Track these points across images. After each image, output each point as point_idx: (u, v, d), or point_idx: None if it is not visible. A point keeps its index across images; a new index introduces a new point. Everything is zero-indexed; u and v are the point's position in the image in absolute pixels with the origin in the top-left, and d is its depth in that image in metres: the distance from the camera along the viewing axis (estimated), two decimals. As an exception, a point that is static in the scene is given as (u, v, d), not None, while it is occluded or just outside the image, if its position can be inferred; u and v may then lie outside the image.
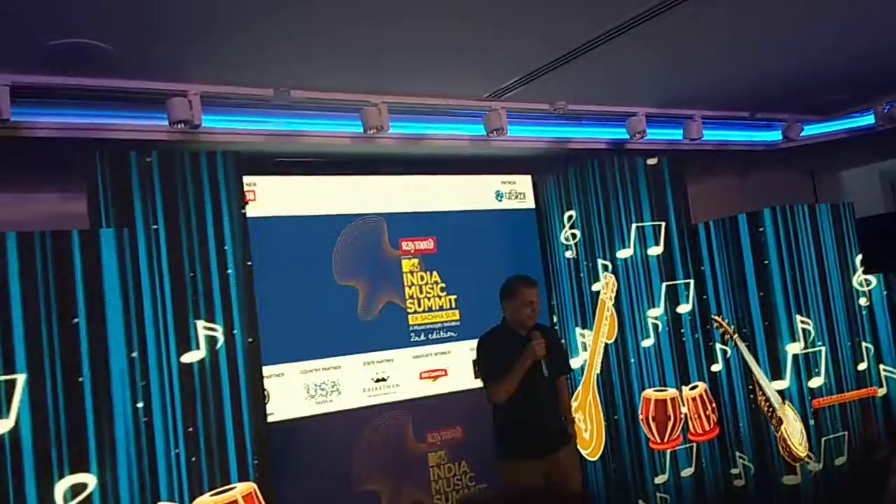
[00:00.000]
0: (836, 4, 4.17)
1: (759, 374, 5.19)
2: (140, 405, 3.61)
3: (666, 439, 5.16)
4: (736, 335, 5.30)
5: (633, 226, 5.31)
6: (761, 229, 5.23)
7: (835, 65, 5.19)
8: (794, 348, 5.11)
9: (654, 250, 5.36)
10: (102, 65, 3.72)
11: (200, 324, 3.87)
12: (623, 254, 5.26)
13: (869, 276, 5.52)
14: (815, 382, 5.14)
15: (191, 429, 3.76)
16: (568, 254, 5.43)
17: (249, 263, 4.08)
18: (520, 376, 3.87)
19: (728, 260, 5.38)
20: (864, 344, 5.42)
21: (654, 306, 5.28)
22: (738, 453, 5.34)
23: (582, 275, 5.43)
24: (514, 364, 3.91)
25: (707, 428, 5.36)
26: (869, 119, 6.28)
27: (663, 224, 5.43)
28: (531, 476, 3.85)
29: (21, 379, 3.26)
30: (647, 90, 5.32)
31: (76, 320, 3.45)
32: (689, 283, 5.42)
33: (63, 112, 4.09)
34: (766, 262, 5.18)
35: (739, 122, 6.20)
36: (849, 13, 4.34)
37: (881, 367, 5.47)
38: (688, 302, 5.39)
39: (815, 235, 5.33)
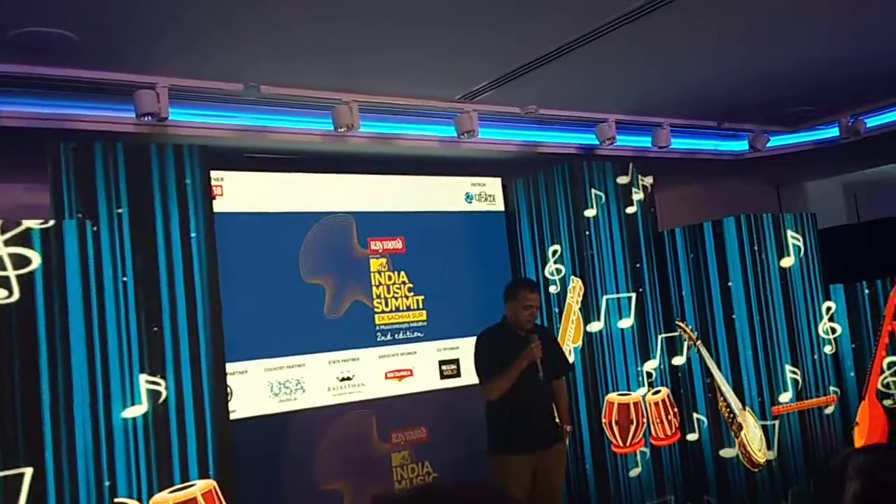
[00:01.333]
0: (804, 19, 4.26)
1: (720, 380, 5.26)
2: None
3: (628, 443, 5.20)
4: (699, 341, 5.36)
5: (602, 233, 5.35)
6: (725, 238, 5.29)
7: (801, 77, 5.29)
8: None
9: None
10: (68, 55, 3.68)
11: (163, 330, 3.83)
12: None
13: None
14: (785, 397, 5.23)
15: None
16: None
17: (215, 256, 4.03)
18: (515, 376, 3.91)
19: (691, 267, 5.44)
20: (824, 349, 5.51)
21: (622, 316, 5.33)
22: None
23: (551, 280, 5.47)
24: (510, 364, 3.94)
25: (669, 432, 5.42)
26: (833, 132, 6.40)
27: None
28: (519, 471, 3.91)
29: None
30: (617, 97, 5.38)
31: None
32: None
33: (27, 101, 4.03)
34: (728, 268, 5.25)
35: (707, 132, 6.29)
36: (816, 28, 4.42)
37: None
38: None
39: (779, 245, 5.39)
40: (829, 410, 5.46)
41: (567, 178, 5.36)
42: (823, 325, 5.52)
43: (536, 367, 3.92)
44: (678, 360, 5.52)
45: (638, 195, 5.56)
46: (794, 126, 6.53)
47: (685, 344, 5.46)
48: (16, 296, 3.31)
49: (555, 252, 5.38)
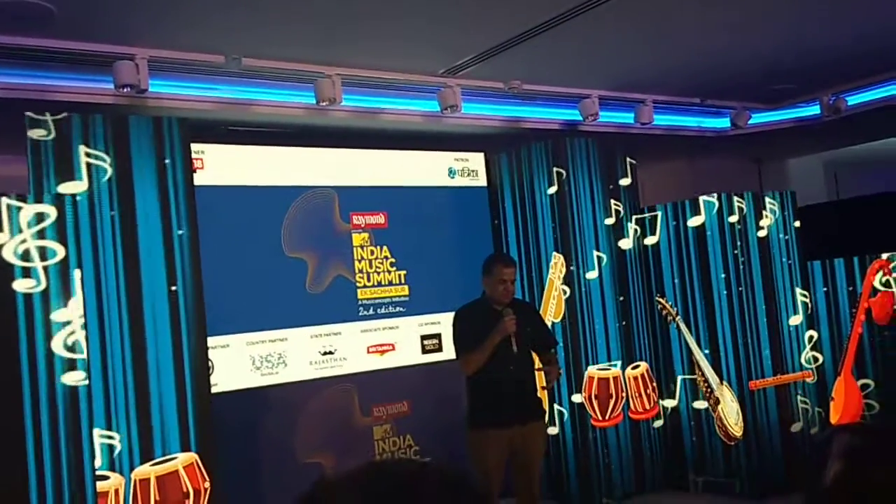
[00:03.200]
0: (786, -5, 4.26)
1: (698, 355, 5.33)
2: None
3: (607, 417, 5.27)
4: (678, 317, 5.42)
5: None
6: (705, 214, 5.31)
7: (784, 55, 5.31)
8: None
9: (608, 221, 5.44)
10: (46, 25, 3.62)
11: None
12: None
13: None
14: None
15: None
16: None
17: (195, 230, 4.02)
18: (489, 350, 3.91)
19: (670, 242, 5.47)
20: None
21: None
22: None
23: (532, 255, 5.49)
24: (486, 338, 3.96)
25: (647, 407, 5.49)
26: (815, 109, 6.44)
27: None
28: (493, 446, 3.91)
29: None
30: (601, 73, 5.37)
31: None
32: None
33: (5, 72, 3.97)
34: (708, 246, 5.28)
35: (689, 108, 6.30)
36: (799, 6, 4.43)
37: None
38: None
39: (758, 221, 5.42)
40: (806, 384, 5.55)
41: (550, 153, 5.37)
42: (799, 301, 5.58)
43: (510, 341, 3.93)
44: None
45: (625, 180, 5.61)
46: (776, 104, 6.55)
47: (666, 318, 5.51)
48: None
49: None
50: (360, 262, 5.23)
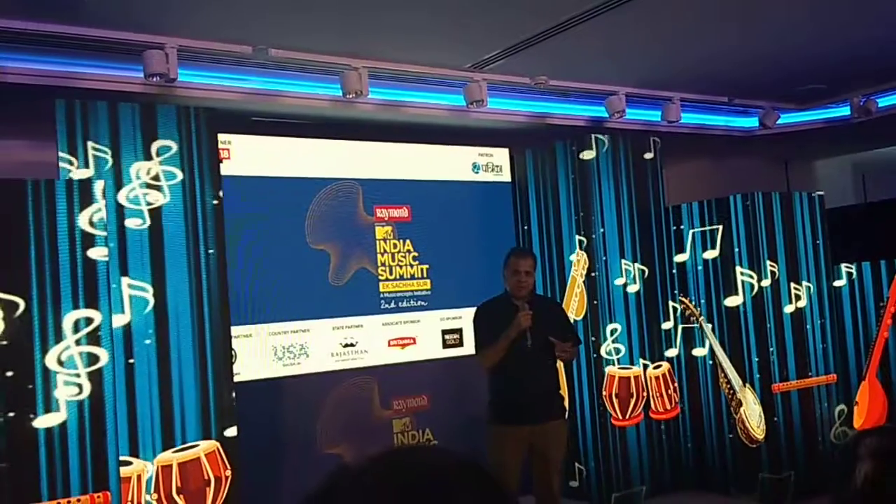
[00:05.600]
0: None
1: (721, 356, 5.28)
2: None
3: (627, 416, 5.24)
4: (702, 317, 5.37)
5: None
6: (731, 214, 5.26)
7: (814, 55, 5.24)
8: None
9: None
10: (77, 12, 3.64)
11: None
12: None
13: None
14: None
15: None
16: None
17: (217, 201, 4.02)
18: (505, 345, 3.88)
19: (696, 242, 5.43)
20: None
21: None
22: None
23: (554, 251, 5.47)
24: (503, 332, 3.93)
25: (668, 407, 5.45)
26: (845, 110, 6.35)
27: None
28: (515, 443, 3.89)
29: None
30: (628, 70, 5.33)
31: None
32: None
33: (35, 59, 4.01)
34: (737, 248, 5.23)
35: (717, 107, 6.24)
36: (830, 7, 4.37)
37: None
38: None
39: (788, 224, 5.34)
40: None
41: (576, 150, 5.34)
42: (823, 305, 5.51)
43: (526, 336, 3.90)
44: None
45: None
46: (805, 104, 6.47)
47: (689, 319, 5.46)
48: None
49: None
50: (382, 255, 5.23)
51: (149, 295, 3.80)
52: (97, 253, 3.33)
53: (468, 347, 5.23)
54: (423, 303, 5.35)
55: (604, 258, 5.28)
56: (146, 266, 3.81)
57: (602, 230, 5.29)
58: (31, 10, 3.61)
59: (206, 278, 3.96)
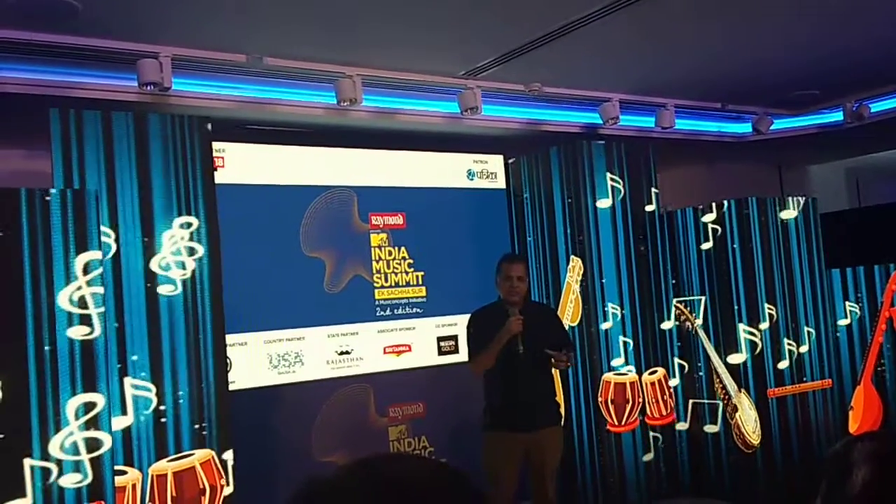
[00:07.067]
0: (811, 3, 4.22)
1: (716, 361, 5.28)
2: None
3: (623, 422, 5.24)
4: (697, 322, 5.38)
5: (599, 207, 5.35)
6: (725, 219, 5.27)
7: (806, 61, 5.26)
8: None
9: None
10: (70, 22, 3.65)
11: (162, 289, 3.83)
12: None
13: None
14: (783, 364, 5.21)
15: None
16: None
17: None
18: (496, 351, 3.87)
19: (692, 249, 5.44)
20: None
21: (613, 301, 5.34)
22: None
23: (549, 257, 5.47)
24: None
25: (664, 412, 5.45)
26: (837, 116, 6.38)
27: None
28: (510, 450, 3.88)
29: None
30: (622, 76, 5.35)
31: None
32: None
33: (29, 68, 4.01)
34: (727, 252, 5.24)
35: (710, 113, 6.26)
36: (822, 12, 4.39)
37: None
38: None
39: (782, 228, 5.35)
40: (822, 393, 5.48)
41: (569, 157, 5.35)
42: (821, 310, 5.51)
43: (517, 342, 3.89)
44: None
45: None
46: (799, 109, 6.50)
47: (684, 324, 5.47)
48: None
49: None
50: (377, 262, 5.23)
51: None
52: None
53: (464, 354, 5.22)
54: (418, 310, 5.35)
55: (598, 265, 5.29)
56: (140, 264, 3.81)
57: (597, 236, 5.30)
58: (25, 20, 3.62)
59: (202, 286, 3.95)
